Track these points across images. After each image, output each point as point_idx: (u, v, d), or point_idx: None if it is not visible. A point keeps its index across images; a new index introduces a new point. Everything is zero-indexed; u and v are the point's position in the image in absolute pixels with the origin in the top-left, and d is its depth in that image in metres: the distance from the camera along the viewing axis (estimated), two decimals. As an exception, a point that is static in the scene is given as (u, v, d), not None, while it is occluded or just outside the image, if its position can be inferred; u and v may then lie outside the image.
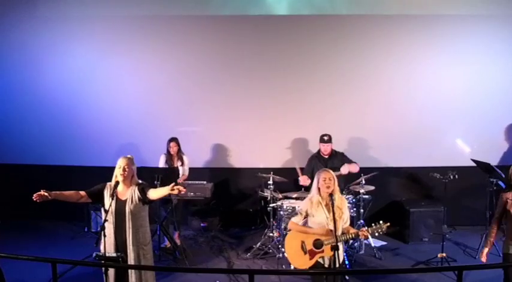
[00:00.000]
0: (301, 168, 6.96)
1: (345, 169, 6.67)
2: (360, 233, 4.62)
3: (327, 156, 6.93)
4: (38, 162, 8.03)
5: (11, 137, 8.11)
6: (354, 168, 6.80)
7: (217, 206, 8.00)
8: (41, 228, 7.83)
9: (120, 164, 4.61)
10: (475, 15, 7.61)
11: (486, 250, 4.86)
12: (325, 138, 6.85)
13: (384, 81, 7.83)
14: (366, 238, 4.83)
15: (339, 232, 4.58)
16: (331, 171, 4.72)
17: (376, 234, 4.63)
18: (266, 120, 7.93)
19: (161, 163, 7.08)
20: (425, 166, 7.63)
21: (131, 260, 4.55)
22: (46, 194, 4.41)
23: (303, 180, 6.79)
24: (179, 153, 7.12)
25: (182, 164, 7.11)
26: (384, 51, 7.76)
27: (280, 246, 6.55)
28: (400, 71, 7.80)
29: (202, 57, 7.91)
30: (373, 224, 4.61)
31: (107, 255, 4.36)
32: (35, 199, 4.39)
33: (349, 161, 6.88)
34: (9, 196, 7.87)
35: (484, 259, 4.87)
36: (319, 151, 7.01)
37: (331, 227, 4.52)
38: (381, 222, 4.62)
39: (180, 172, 7.03)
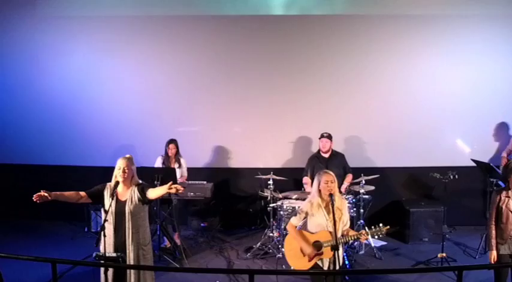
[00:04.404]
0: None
1: (344, 186, 6.75)
2: (360, 235, 4.60)
3: (327, 156, 6.95)
4: (38, 162, 8.03)
5: (11, 137, 8.10)
6: (350, 180, 6.90)
7: (217, 206, 8.00)
8: (41, 228, 7.82)
9: (120, 165, 4.60)
10: (475, 15, 7.61)
11: (495, 254, 4.77)
12: (325, 134, 6.93)
13: (384, 81, 7.83)
14: (366, 239, 4.81)
15: (339, 234, 4.56)
16: (332, 174, 4.67)
17: (376, 237, 4.61)
18: (266, 120, 7.94)
19: (157, 165, 7.02)
20: (425, 166, 7.63)
21: (131, 260, 4.54)
22: (46, 194, 4.40)
23: (307, 184, 6.82)
24: (177, 155, 7.08)
25: (179, 167, 7.05)
26: (384, 51, 7.76)
27: (280, 246, 6.55)
28: (400, 71, 7.80)
29: (202, 58, 7.91)
30: (373, 227, 4.59)
31: (107, 255, 4.37)
32: (35, 200, 4.39)
33: (348, 168, 7.01)
34: (9, 196, 7.87)
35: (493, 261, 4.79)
36: (319, 151, 7.03)
37: (331, 228, 4.51)
38: (381, 225, 4.58)
39: (178, 174, 6.97)
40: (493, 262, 4.77)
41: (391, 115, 7.83)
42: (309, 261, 4.61)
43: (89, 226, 7.71)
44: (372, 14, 7.73)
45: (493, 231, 4.78)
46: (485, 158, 6.94)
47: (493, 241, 4.77)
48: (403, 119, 7.83)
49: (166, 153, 7.05)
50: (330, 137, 6.92)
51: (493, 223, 4.79)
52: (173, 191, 4.32)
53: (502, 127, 7.76)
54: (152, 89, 7.98)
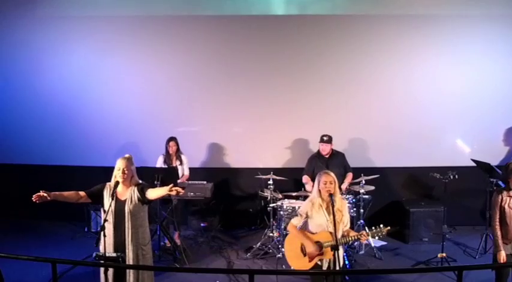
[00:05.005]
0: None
1: (344, 186, 6.74)
2: (360, 236, 4.60)
3: (327, 156, 6.94)
4: (38, 162, 8.03)
5: (11, 137, 8.10)
6: (350, 179, 6.90)
7: (217, 206, 7.99)
8: (41, 228, 7.83)
9: (119, 165, 4.60)
10: (475, 15, 7.60)
11: (503, 254, 4.74)
12: (325, 138, 6.89)
13: (384, 81, 7.82)
14: (366, 240, 4.81)
15: (339, 235, 4.56)
16: (332, 174, 4.67)
17: (376, 237, 4.61)
18: (266, 120, 7.93)
19: (159, 164, 7.07)
20: (425, 166, 7.63)
21: (130, 260, 4.55)
22: (45, 194, 4.40)
23: (308, 183, 6.82)
24: (178, 152, 7.12)
25: (181, 164, 7.11)
26: (384, 51, 7.75)
27: (280, 246, 6.56)
28: (400, 71, 7.80)
29: (202, 57, 7.91)
30: (373, 227, 4.59)
31: (107, 255, 4.37)
32: (34, 200, 4.39)
33: (348, 167, 7.00)
34: (9, 196, 7.87)
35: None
36: (319, 151, 7.02)
37: (331, 229, 4.51)
38: (381, 225, 4.58)
39: (179, 172, 7.02)
40: (502, 261, 4.71)
41: (391, 115, 7.83)
42: (310, 260, 4.62)
43: (89, 226, 7.71)
44: (372, 14, 7.73)
45: (499, 232, 4.77)
46: (486, 159, 6.94)
47: (500, 241, 4.75)
48: (403, 119, 7.83)
49: (167, 151, 7.07)
50: (329, 140, 6.89)
51: (497, 224, 4.79)
52: (174, 193, 4.33)
53: (504, 127, 7.78)
54: (152, 89, 7.98)
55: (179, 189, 4.32)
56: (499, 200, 4.77)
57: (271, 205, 6.78)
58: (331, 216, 4.48)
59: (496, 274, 4.82)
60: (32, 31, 7.94)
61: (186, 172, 7.18)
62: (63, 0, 7.89)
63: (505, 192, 4.77)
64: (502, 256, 4.73)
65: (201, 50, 7.88)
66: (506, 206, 4.73)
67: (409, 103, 7.81)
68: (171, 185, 4.37)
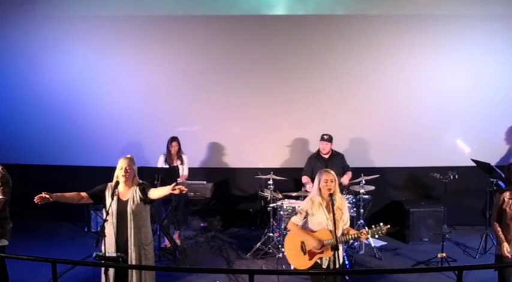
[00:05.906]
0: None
1: (346, 181, 6.77)
2: (360, 234, 4.61)
3: (326, 156, 6.95)
4: (39, 162, 8.03)
5: (12, 137, 8.09)
6: (350, 176, 6.92)
7: (217, 206, 8.00)
8: (41, 228, 7.82)
9: (122, 165, 4.60)
10: (475, 15, 7.61)
11: (507, 245, 4.69)
12: (326, 137, 6.91)
13: (384, 81, 7.83)
14: (366, 239, 4.81)
15: (339, 233, 4.56)
16: (332, 172, 4.68)
17: (376, 236, 4.62)
18: (266, 120, 7.93)
19: (160, 163, 7.09)
20: (425, 166, 7.63)
21: (132, 260, 4.54)
22: (47, 196, 4.40)
23: (308, 183, 6.83)
24: (179, 152, 7.14)
25: (182, 163, 7.12)
26: (384, 52, 7.76)
27: (280, 246, 6.56)
28: (400, 71, 7.80)
29: (203, 57, 7.91)
30: (373, 226, 4.59)
31: (107, 255, 4.36)
32: (36, 201, 4.38)
33: (347, 167, 6.99)
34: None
35: (509, 254, 4.70)
36: (318, 151, 7.03)
37: (331, 227, 4.51)
38: (381, 224, 4.59)
39: (180, 171, 7.04)
40: (507, 253, 4.68)
41: (391, 115, 7.84)
42: (310, 259, 4.62)
43: (89, 226, 7.71)
44: (372, 14, 7.73)
45: (498, 228, 4.76)
46: (486, 159, 6.94)
47: (501, 235, 4.72)
48: (403, 119, 7.84)
49: (169, 151, 7.08)
50: (330, 139, 6.91)
51: (496, 221, 4.78)
52: (177, 192, 4.32)
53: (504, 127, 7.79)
54: (152, 89, 7.98)
55: (182, 188, 4.31)
56: (500, 202, 4.76)
57: (271, 205, 6.78)
58: (331, 215, 4.48)
59: (498, 274, 4.81)
60: (31, 31, 7.94)
61: (186, 172, 7.19)
62: (63, 0, 7.89)
63: (507, 194, 4.74)
64: (506, 246, 4.68)
65: (200, 50, 7.88)
66: (507, 209, 4.71)
67: (409, 103, 7.82)
68: (174, 184, 4.35)
